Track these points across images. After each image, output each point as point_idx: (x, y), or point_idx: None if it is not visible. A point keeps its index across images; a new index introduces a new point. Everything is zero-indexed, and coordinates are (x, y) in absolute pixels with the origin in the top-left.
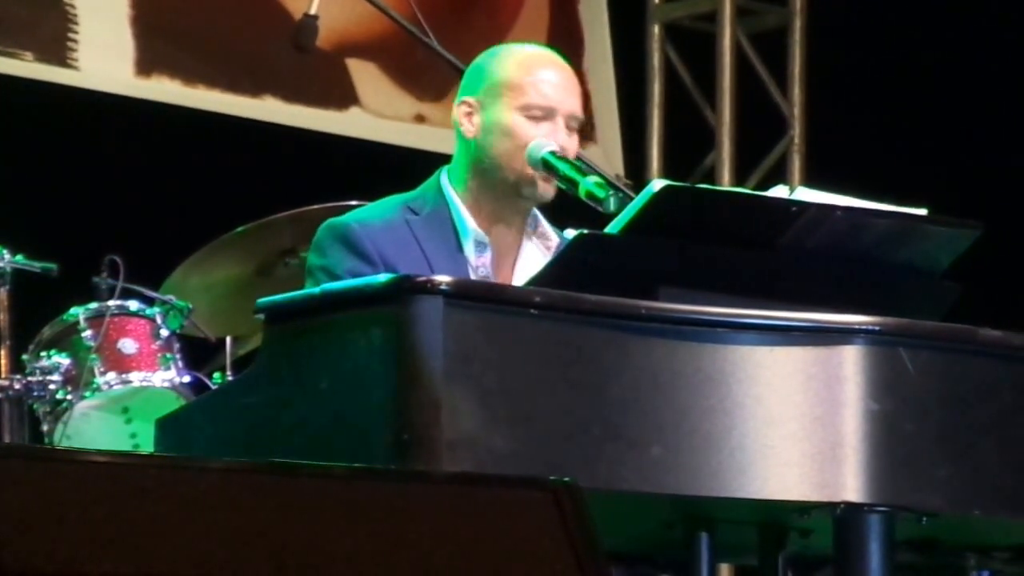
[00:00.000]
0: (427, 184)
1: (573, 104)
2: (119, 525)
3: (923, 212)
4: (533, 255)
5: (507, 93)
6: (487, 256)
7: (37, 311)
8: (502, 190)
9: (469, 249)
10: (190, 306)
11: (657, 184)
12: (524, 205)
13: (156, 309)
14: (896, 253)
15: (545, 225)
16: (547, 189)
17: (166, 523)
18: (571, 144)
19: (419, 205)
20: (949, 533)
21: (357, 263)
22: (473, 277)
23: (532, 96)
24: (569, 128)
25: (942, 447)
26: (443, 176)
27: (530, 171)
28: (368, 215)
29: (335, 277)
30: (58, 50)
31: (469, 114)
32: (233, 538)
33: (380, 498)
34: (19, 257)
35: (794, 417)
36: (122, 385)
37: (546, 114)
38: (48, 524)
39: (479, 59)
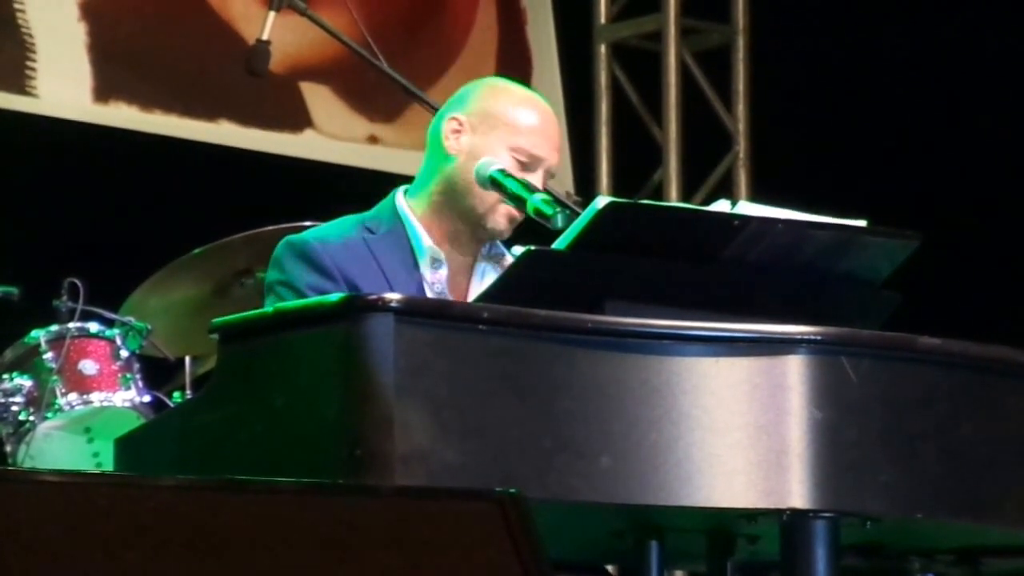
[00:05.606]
0: (382, 204)
1: (555, 160)
2: (73, 543)
3: (862, 224)
4: (488, 273)
5: (504, 128)
6: (442, 272)
7: None
8: (466, 215)
9: (425, 266)
10: (149, 327)
11: (601, 201)
12: (481, 236)
13: (116, 330)
14: (837, 264)
15: (499, 244)
16: (505, 226)
17: (119, 541)
18: None
19: (375, 224)
20: (893, 537)
21: (318, 278)
22: (429, 293)
23: (527, 142)
24: (544, 182)
25: (884, 452)
26: (398, 196)
27: (497, 206)
28: (326, 233)
29: (297, 292)
30: (17, 78)
31: (457, 131)
32: (186, 554)
33: (331, 512)
34: None
35: (740, 426)
36: (83, 405)
37: (532, 163)
38: (2, 543)
39: (480, 82)
